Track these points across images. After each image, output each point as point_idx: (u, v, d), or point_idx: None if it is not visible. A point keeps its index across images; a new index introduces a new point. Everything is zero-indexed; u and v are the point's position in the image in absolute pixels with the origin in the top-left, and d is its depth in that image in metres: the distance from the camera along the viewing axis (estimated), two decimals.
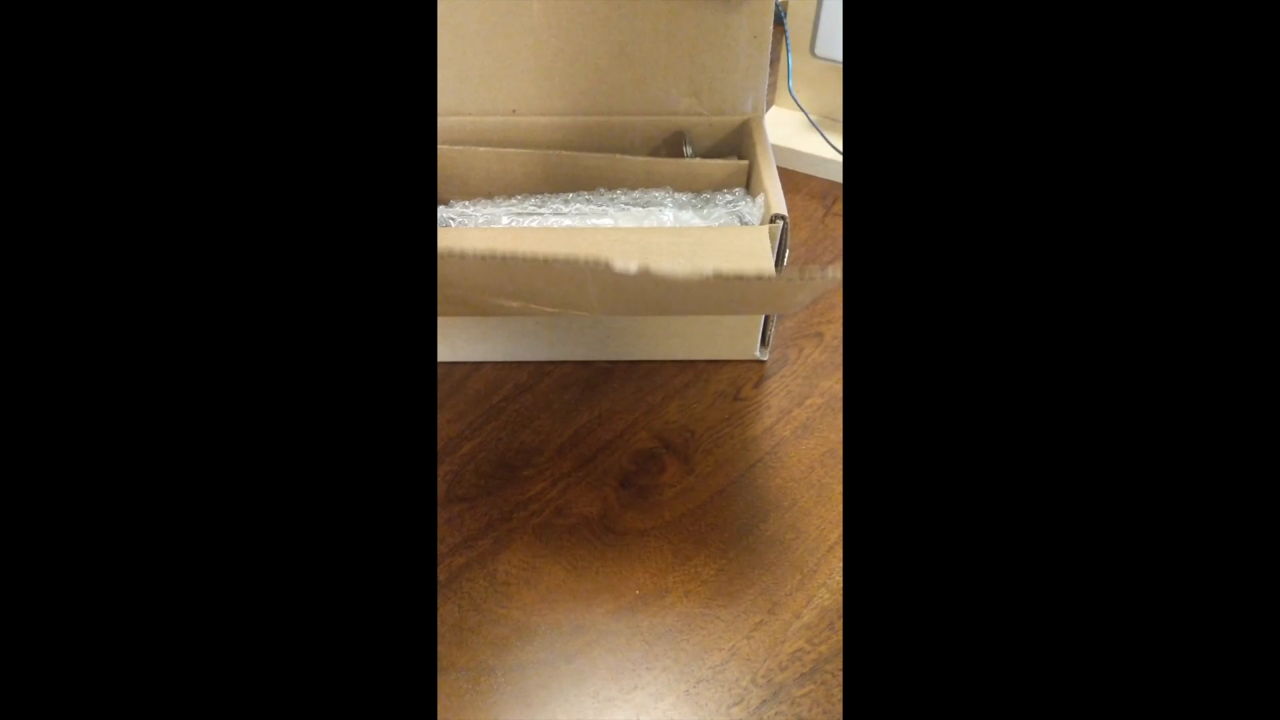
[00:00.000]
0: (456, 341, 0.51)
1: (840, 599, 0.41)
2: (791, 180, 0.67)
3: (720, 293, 0.36)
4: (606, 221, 0.46)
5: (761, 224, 0.45)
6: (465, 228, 0.47)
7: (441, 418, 0.49)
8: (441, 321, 0.50)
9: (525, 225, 0.46)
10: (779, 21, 0.60)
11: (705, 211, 0.46)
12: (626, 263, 0.30)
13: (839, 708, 0.38)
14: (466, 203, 0.49)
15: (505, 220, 0.47)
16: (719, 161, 0.49)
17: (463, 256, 0.33)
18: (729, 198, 0.47)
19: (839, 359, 0.53)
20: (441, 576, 0.42)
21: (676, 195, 0.48)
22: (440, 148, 0.50)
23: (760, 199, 0.45)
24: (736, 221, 0.46)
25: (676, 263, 0.30)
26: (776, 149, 0.59)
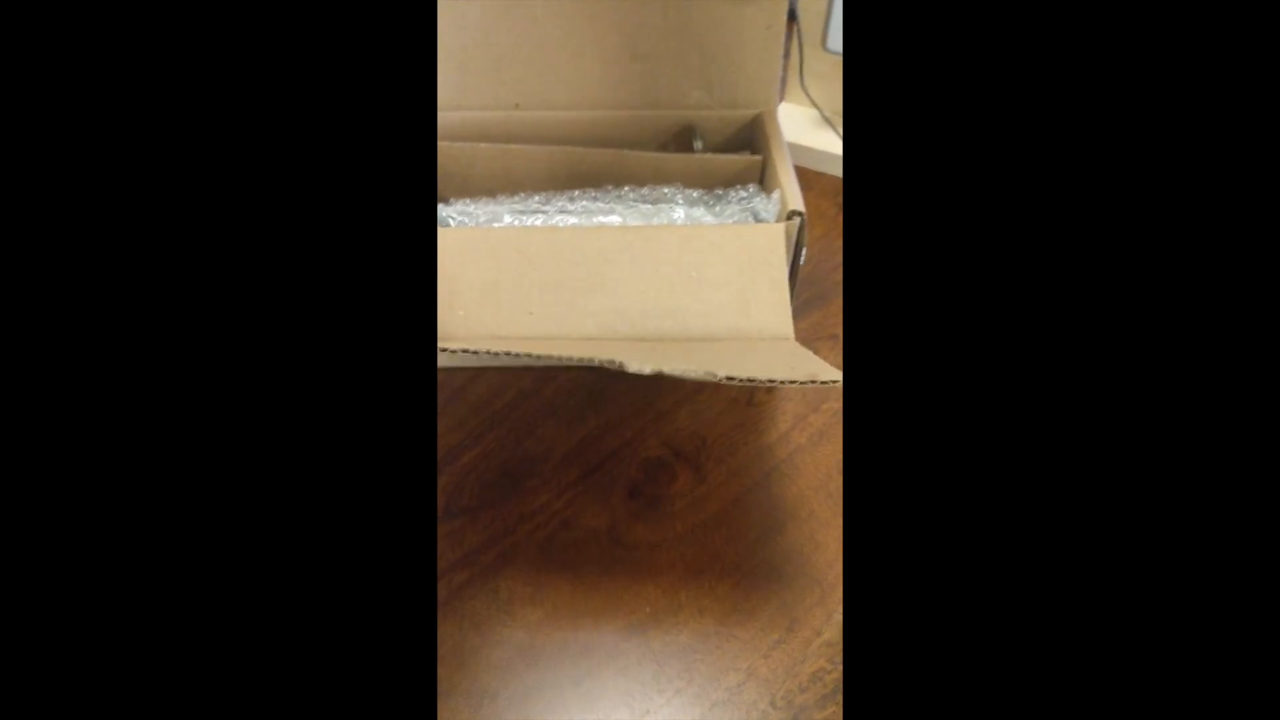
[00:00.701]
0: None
1: None
2: (803, 177, 0.64)
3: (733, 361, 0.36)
4: (614, 219, 0.44)
5: (777, 220, 0.42)
6: (465, 227, 0.45)
7: (441, 425, 0.47)
8: None
9: (529, 224, 0.44)
10: (791, 15, 0.58)
11: (718, 209, 0.44)
12: (641, 365, 0.31)
13: None
14: (468, 201, 0.47)
15: (508, 219, 0.44)
16: (731, 156, 0.47)
17: (474, 354, 0.34)
18: (743, 194, 0.45)
19: None
20: (441, 594, 0.40)
21: (687, 192, 0.46)
22: (440, 144, 0.48)
23: (775, 195, 0.43)
24: (750, 218, 0.44)
25: (690, 364, 0.31)
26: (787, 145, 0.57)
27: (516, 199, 0.46)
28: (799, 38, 0.63)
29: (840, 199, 0.63)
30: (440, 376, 0.50)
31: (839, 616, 0.39)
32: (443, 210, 0.46)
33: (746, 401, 0.48)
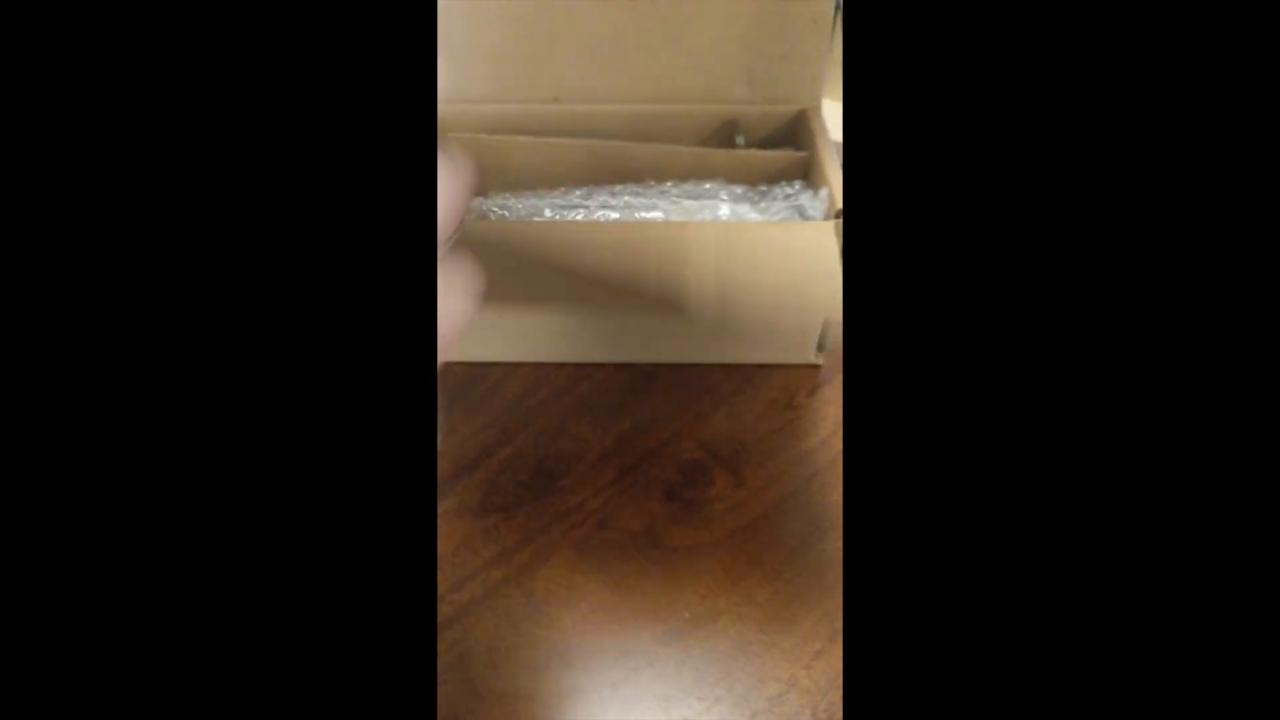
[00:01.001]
0: (493, 341, 0.48)
1: None
2: None
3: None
4: (657, 215, 0.43)
5: (825, 219, 0.41)
6: (505, 221, 0.44)
7: (476, 422, 0.46)
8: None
9: (570, 218, 0.44)
10: (837, 9, 0.57)
11: (763, 205, 0.43)
12: (701, 270, 0.29)
13: None
14: (507, 194, 0.46)
15: (548, 213, 0.44)
16: (776, 153, 0.46)
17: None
18: (788, 190, 0.44)
19: None
20: (476, 592, 0.39)
21: (731, 188, 0.45)
22: (479, 137, 0.47)
23: (824, 192, 0.42)
24: (797, 216, 0.43)
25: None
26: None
27: (557, 193, 0.45)
28: (843, 33, 0.61)
29: None
30: (476, 371, 0.49)
31: None
32: (482, 204, 0.46)
33: (786, 405, 0.47)
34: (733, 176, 0.46)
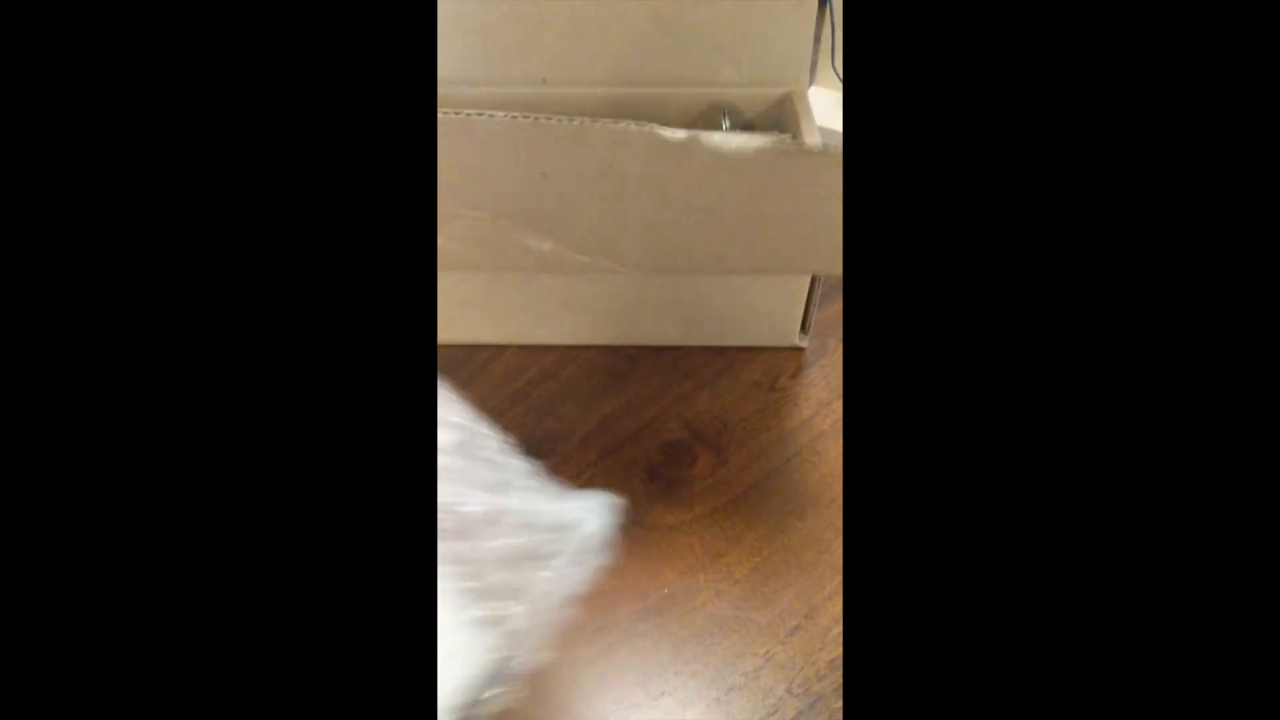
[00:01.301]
0: (479, 323, 0.49)
1: None
2: None
3: (775, 181, 0.35)
4: None
5: None
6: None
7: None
8: (465, 301, 0.47)
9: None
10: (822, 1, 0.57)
11: None
12: (674, 130, 0.29)
13: None
14: None
15: None
16: (761, 136, 0.46)
17: (491, 118, 0.32)
18: None
19: None
20: None
21: None
22: (468, 117, 0.47)
23: None
24: None
25: (727, 137, 0.29)
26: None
27: None
28: (831, 19, 0.61)
29: None
30: (463, 353, 0.49)
31: None
32: None
33: (769, 387, 0.48)
34: None
